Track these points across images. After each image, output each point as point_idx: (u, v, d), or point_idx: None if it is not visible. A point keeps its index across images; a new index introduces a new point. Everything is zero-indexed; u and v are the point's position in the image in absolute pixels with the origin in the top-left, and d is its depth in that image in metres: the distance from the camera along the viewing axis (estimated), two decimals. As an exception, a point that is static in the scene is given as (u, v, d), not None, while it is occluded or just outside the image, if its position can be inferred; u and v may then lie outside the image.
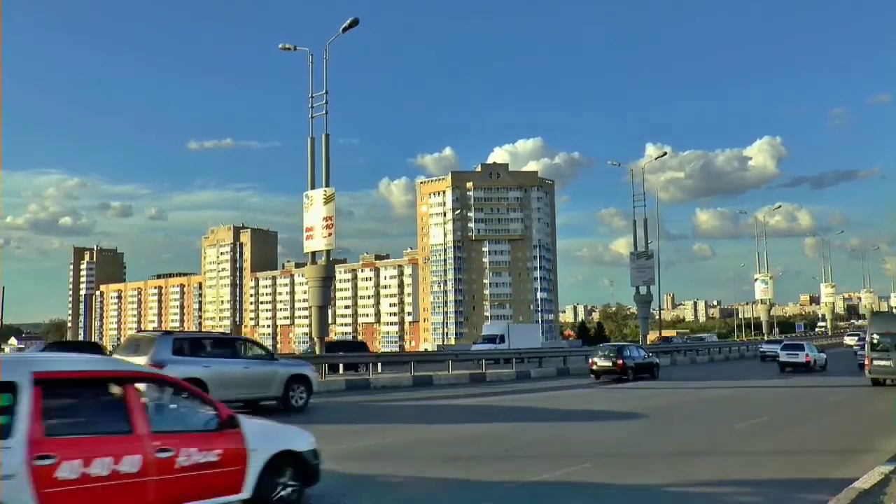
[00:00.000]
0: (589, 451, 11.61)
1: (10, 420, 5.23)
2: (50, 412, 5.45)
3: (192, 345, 15.38)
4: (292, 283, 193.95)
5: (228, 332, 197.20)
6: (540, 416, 16.68)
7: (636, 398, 21.24)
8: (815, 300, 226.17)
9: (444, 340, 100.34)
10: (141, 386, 6.27)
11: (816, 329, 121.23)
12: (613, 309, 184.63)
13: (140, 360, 13.12)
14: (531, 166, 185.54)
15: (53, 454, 5.26)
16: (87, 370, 6.04)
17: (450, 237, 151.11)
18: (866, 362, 25.40)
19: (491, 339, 45.29)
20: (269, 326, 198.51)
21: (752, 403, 20.37)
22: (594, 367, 28.23)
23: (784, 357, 37.21)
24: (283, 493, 6.91)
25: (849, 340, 71.30)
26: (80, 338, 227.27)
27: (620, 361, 27.66)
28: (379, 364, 27.71)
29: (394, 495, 8.65)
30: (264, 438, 6.88)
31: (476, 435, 13.43)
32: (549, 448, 11.98)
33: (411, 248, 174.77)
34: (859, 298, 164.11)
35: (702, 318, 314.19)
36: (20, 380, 5.36)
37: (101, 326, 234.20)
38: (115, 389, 6.05)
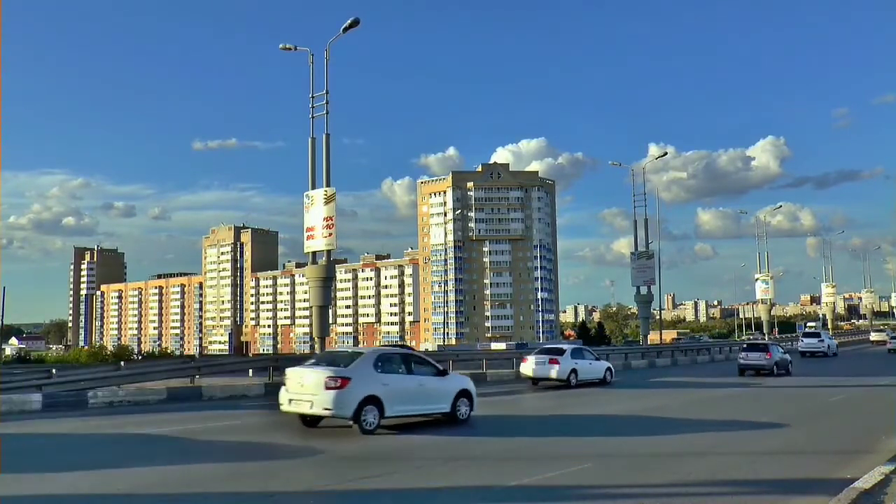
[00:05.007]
0: (590, 451, 11.67)
1: None
2: None
3: None
4: (293, 283, 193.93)
5: (229, 331, 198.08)
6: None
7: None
8: (815, 300, 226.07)
9: (444, 341, 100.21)
10: None
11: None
12: (614, 309, 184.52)
13: None
14: (534, 166, 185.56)
15: None
16: None
17: (450, 237, 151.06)
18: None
19: None
20: (269, 326, 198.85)
21: (755, 403, 20.44)
22: None
23: None
24: None
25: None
26: (82, 339, 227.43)
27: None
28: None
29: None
30: None
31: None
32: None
33: (412, 248, 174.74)
34: (860, 298, 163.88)
35: (702, 318, 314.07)
36: None
37: (101, 327, 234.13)
38: None
